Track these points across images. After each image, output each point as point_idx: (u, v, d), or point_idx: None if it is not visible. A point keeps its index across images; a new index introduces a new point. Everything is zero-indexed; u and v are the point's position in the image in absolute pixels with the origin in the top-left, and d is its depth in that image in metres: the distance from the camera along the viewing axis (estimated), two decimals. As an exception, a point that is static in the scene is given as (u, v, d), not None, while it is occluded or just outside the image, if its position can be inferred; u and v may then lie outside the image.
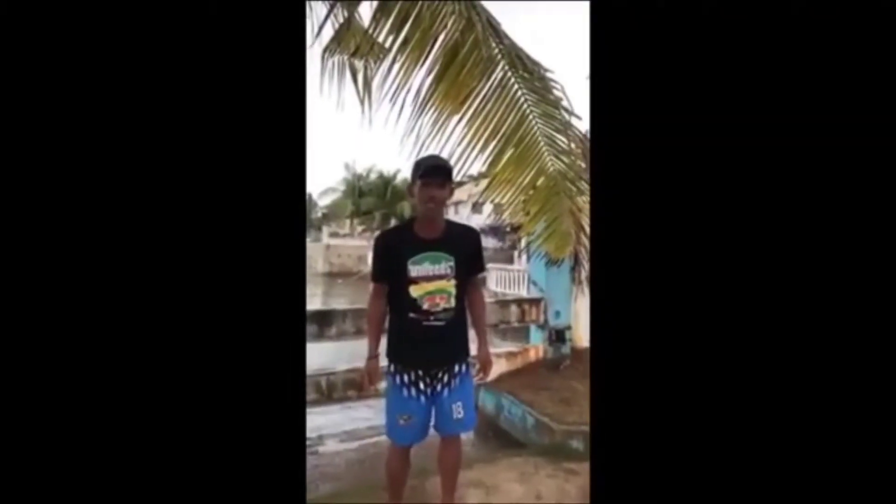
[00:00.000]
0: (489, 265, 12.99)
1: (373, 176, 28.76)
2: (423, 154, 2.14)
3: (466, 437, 2.87)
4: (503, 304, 3.18)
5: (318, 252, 24.36)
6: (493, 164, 2.27)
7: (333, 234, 26.29)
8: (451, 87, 2.13)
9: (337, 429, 2.81)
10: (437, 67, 2.12)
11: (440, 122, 2.18)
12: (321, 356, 3.37)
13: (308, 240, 33.99)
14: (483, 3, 2.10)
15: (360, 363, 2.66)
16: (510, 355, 3.07)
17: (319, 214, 33.85)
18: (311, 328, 2.41)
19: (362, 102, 2.82)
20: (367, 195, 27.79)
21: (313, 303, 13.08)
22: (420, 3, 1.95)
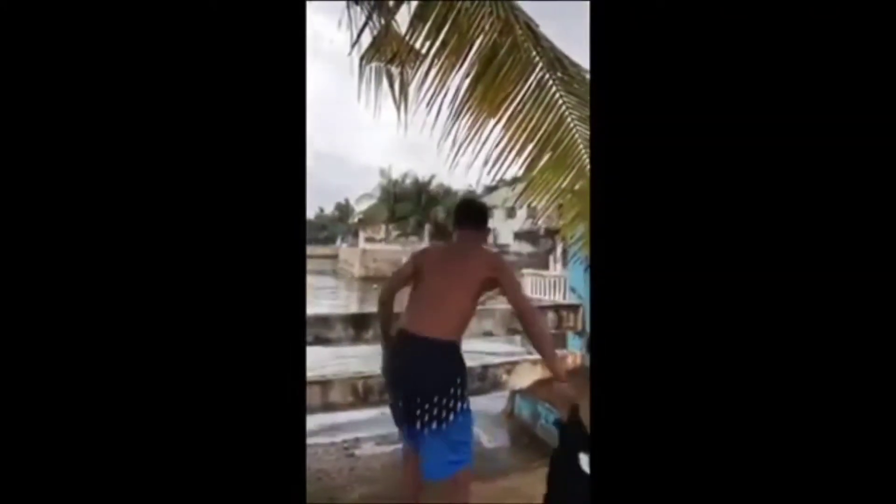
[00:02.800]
0: (524, 270, 12.86)
1: (408, 181, 29.06)
2: (460, 157, 2.15)
3: (502, 445, 2.83)
4: (540, 309, 3.13)
5: (355, 257, 24.76)
6: (530, 167, 2.24)
7: (369, 240, 26.71)
8: (488, 91, 2.12)
9: (373, 432, 2.83)
10: (474, 71, 2.12)
11: (477, 126, 2.17)
12: (358, 359, 3.42)
13: (345, 245, 34.69)
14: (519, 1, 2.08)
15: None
16: (547, 362, 3.02)
17: (356, 220, 34.44)
18: (348, 332, 2.43)
19: (399, 108, 2.85)
20: (403, 201, 28.09)
21: (350, 307, 13.28)
22: (458, 5, 1.94)
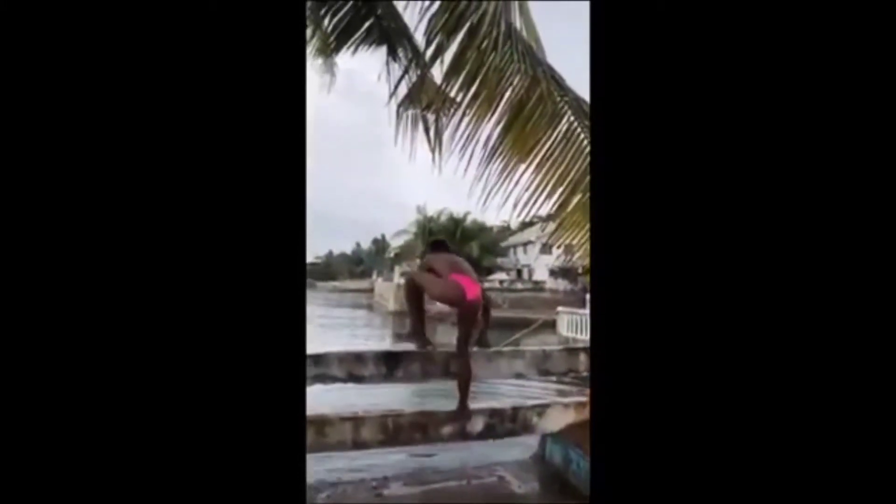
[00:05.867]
0: (560, 308, 12.62)
1: (443, 218, 29.41)
2: (492, 198, 2.24)
3: (532, 490, 2.77)
4: (571, 351, 3.09)
5: (390, 291, 24.92)
6: (561, 207, 2.29)
7: (404, 274, 26.86)
8: (518, 138, 2.21)
9: (402, 471, 2.82)
10: (504, 120, 2.22)
11: (508, 170, 2.26)
12: (389, 397, 3.44)
13: (380, 279, 35.04)
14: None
15: (427, 406, 2.70)
16: (579, 405, 2.96)
17: (392, 255, 34.89)
18: (379, 369, 2.48)
19: (433, 152, 2.98)
20: (438, 236, 28.28)
21: (384, 342, 13.33)
22: (488, 62, 2.06)
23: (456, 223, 28.58)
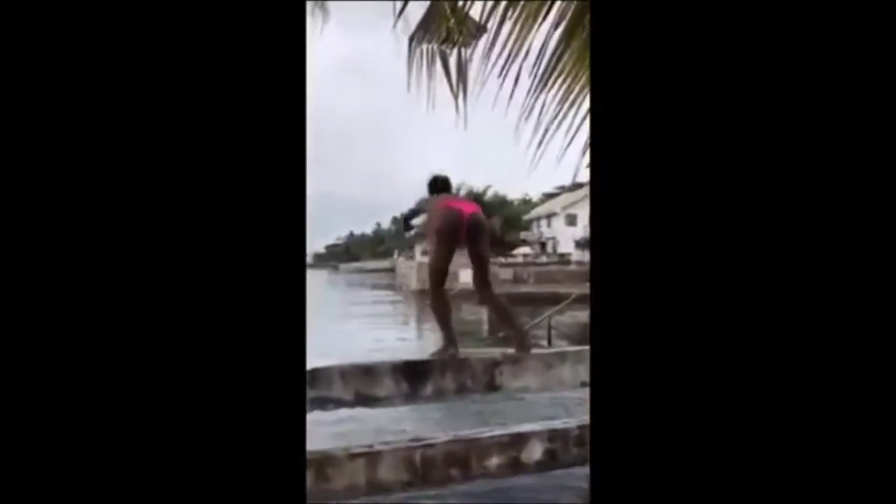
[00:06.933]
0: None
1: (462, 193, 28.89)
2: (547, 142, 1.57)
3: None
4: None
5: (412, 270, 24.84)
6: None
7: (425, 253, 26.66)
8: (586, 46, 1.51)
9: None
10: (565, 21, 1.52)
11: (572, 97, 1.56)
12: (415, 422, 2.79)
13: (401, 258, 35.05)
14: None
15: (464, 430, 2.09)
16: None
17: (412, 233, 34.75)
18: (400, 386, 1.89)
19: (456, 97, 2.30)
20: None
21: (407, 330, 12.86)
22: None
23: (476, 198, 27.98)
